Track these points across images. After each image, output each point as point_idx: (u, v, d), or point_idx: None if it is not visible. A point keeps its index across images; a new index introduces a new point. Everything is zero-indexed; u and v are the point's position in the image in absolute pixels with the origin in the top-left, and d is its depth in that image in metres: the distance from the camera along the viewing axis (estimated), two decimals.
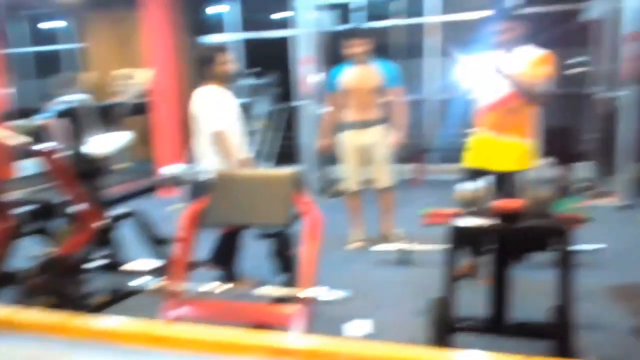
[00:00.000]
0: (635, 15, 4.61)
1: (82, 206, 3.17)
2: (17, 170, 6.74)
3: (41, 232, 3.46)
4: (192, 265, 3.74)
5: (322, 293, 2.24)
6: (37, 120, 3.04)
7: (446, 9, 6.28)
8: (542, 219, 2.15)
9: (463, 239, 2.23)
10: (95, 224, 3.24)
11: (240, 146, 3.55)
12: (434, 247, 3.55)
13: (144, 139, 7.27)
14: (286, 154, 6.44)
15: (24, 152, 3.44)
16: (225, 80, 3.42)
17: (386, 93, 3.95)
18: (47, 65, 8.06)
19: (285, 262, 3.08)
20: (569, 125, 5.91)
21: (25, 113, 4.99)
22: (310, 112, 5.58)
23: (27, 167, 6.20)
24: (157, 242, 3.58)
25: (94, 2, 7.05)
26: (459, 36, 6.18)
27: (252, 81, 6.28)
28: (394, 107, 3.98)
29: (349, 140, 4.03)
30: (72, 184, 3.11)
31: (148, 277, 3.06)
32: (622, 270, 3.49)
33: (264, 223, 2.67)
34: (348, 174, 4.13)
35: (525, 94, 2.92)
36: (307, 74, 5.50)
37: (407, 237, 3.96)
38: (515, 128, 3.06)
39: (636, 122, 4.80)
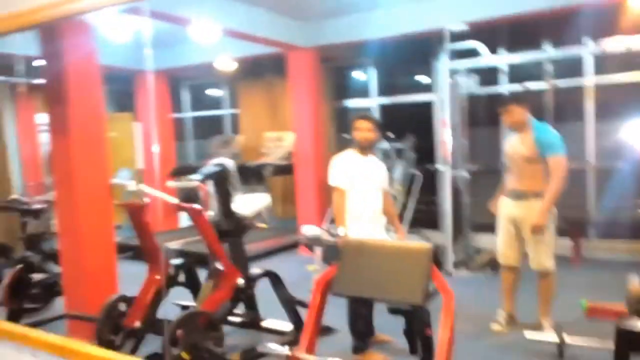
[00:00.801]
0: None
1: (224, 264, 3.30)
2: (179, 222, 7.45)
3: (191, 284, 3.70)
4: (324, 332, 3.73)
5: None
6: (193, 181, 3.28)
7: (602, 69, 5.74)
8: None
9: (637, 345, 1.85)
10: (236, 282, 3.35)
11: (375, 211, 3.48)
12: (596, 342, 3.06)
13: (289, 198, 7.62)
14: (422, 219, 6.23)
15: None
16: (363, 146, 3.45)
17: (545, 161, 3.56)
18: (206, 129, 8.94)
19: (421, 341, 2.85)
20: None
21: (187, 170, 5.53)
22: (448, 176, 5.35)
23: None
24: (291, 304, 3.59)
25: (247, 70, 7.73)
26: (627, 98, 5.67)
27: (388, 145, 6.27)
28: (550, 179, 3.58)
29: (503, 209, 3.74)
30: (216, 242, 3.27)
31: (280, 342, 3.09)
32: None
33: (397, 300, 2.50)
34: (500, 246, 3.79)
35: None
36: (446, 138, 5.33)
37: (561, 327, 3.46)
38: None
39: None
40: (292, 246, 6.15)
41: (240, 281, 3.34)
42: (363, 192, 3.45)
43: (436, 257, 2.58)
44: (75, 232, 3.76)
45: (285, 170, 6.84)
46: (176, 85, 8.70)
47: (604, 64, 5.75)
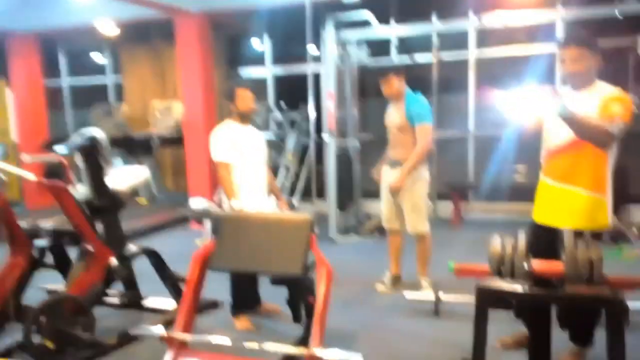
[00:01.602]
0: None
1: (93, 244, 3.06)
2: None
3: (61, 266, 3.40)
4: (209, 306, 3.63)
5: (336, 355, 2.00)
6: (54, 156, 2.96)
7: (485, 42, 6.03)
8: (589, 284, 1.84)
9: (495, 302, 1.95)
10: (107, 262, 3.13)
11: (263, 184, 3.41)
12: (467, 299, 3.26)
13: (180, 171, 7.30)
14: (315, 189, 6.28)
15: None
16: (243, 116, 3.35)
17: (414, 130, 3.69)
18: (88, 97, 8.28)
19: (305, 309, 2.84)
20: (624, 166, 5.47)
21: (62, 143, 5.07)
22: (333, 147, 5.39)
23: None
24: (173, 281, 3.43)
25: (132, 35, 7.20)
26: (506, 70, 6.01)
27: (281, 115, 6.19)
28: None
29: (384, 177, 3.84)
30: (82, 221, 3.01)
31: (162, 321, 2.95)
32: None
33: (277, 271, 2.45)
34: (383, 210, 3.91)
35: (594, 138, 2.34)
36: (331, 108, 5.34)
37: (439, 285, 3.65)
38: (580, 177, 2.47)
39: None
40: (184, 220, 5.91)
41: (113, 261, 3.11)
42: (252, 163, 3.35)
43: (315, 228, 2.55)
44: None
45: (174, 141, 6.52)
46: (52, 49, 7.91)
47: (486, 37, 6.04)
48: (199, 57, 6.02)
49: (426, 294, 3.51)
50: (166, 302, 3.53)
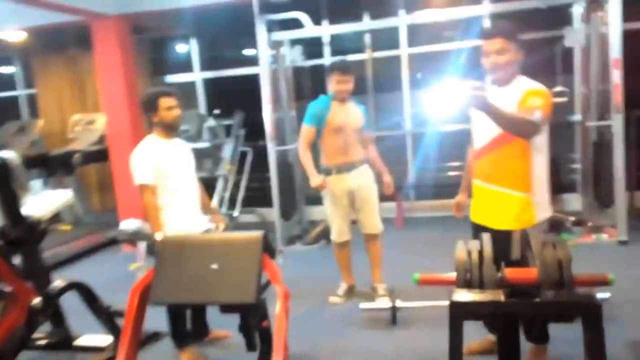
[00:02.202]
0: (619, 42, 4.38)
1: (11, 283, 2.68)
2: None
3: None
4: (150, 339, 3.32)
5: None
6: None
7: (417, 41, 6.05)
8: (562, 289, 1.75)
9: (469, 314, 1.82)
10: (29, 302, 2.75)
11: (195, 201, 3.13)
12: (426, 303, 3.18)
13: (107, 188, 6.79)
14: (256, 198, 6.04)
15: None
16: (170, 127, 3.02)
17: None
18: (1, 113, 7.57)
19: (259, 334, 2.62)
20: (555, 156, 5.64)
21: None
22: (273, 153, 5.19)
23: None
24: (107, 315, 3.09)
25: (44, 43, 6.62)
26: (438, 67, 6.05)
27: (215, 123, 5.89)
28: (372, 148, 3.80)
29: (335, 185, 3.62)
30: None
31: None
32: (637, 322, 3.11)
33: (228, 301, 2.21)
34: (336, 222, 3.70)
35: (516, 127, 2.28)
36: (267, 112, 5.13)
37: (395, 291, 3.55)
38: (507, 176, 2.45)
39: (626, 150, 4.54)
40: (114, 242, 5.48)
41: (36, 300, 2.75)
42: (180, 181, 3.02)
43: (268, 244, 2.34)
44: None
45: (98, 156, 6.03)
46: None
47: (417, 35, 6.05)
48: (120, 64, 5.59)
49: (382, 303, 3.38)
50: (101, 339, 3.19)
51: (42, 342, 3.18)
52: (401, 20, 5.77)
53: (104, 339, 3.18)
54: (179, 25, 6.37)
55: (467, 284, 1.86)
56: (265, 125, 4.91)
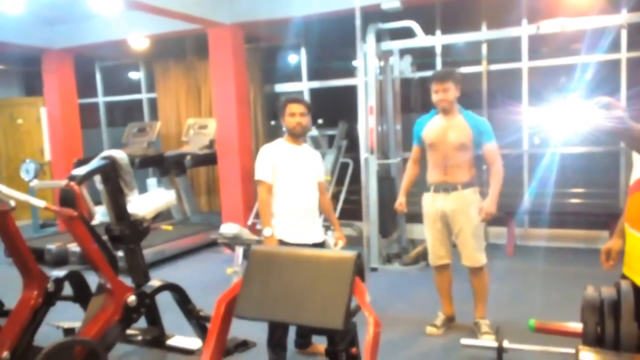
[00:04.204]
0: None
1: (109, 279, 2.75)
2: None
3: (83, 297, 3.11)
4: (239, 347, 3.27)
5: None
6: (60, 181, 2.68)
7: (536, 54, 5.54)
8: None
9: None
10: (125, 300, 2.81)
11: (310, 209, 3.05)
12: (538, 347, 2.79)
13: (214, 190, 7.03)
14: (353, 211, 5.87)
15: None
16: (297, 133, 3.01)
17: (477, 149, 3.30)
18: (124, 114, 8.15)
19: None
20: None
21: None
22: (372, 166, 4.96)
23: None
24: (198, 319, 3.08)
25: (165, 50, 7.03)
26: (561, 81, 5.51)
27: (317, 133, 5.82)
28: (489, 167, 3.33)
29: (429, 205, 3.36)
30: (95, 253, 2.70)
31: None
32: None
33: (314, 324, 2.05)
34: (431, 244, 3.42)
35: None
36: (372, 124, 4.93)
37: (501, 328, 3.17)
38: None
39: None
40: (215, 244, 5.62)
41: (131, 299, 2.79)
42: (295, 185, 2.99)
43: (361, 266, 2.16)
44: None
45: (208, 159, 6.25)
46: (88, 67, 7.83)
47: (539, 47, 5.57)
48: (232, 71, 5.75)
49: (487, 342, 3.02)
50: (192, 342, 3.20)
51: (137, 338, 3.25)
52: (523, 30, 5.32)
53: (195, 342, 3.18)
54: (289, 34, 6.43)
55: (598, 341, 1.53)
56: (362, 136, 4.73)
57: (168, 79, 7.21)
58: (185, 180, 6.72)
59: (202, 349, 2.92)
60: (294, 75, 6.78)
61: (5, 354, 2.68)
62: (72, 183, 2.58)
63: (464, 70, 5.66)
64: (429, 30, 5.46)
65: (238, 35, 5.82)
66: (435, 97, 3.26)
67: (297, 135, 3.03)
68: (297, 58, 6.77)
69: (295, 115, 2.99)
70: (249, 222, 5.58)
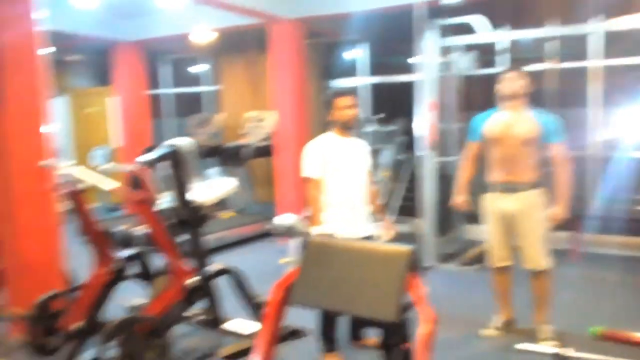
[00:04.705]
0: None
1: (173, 262, 2.88)
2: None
3: (148, 276, 3.28)
4: (292, 335, 3.34)
5: None
6: (134, 166, 2.82)
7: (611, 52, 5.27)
8: None
9: None
10: (188, 281, 2.93)
11: (362, 203, 3.07)
12: (602, 357, 2.68)
13: (271, 182, 7.17)
14: (411, 208, 5.82)
15: None
16: (342, 126, 3.02)
17: (544, 149, 3.18)
18: (189, 106, 8.43)
19: (398, 356, 2.45)
20: None
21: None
22: (431, 163, 4.90)
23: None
24: (254, 305, 3.17)
25: (230, 44, 7.21)
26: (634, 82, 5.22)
27: (377, 128, 5.81)
28: (556, 169, 3.18)
29: (490, 205, 3.29)
30: (163, 236, 2.84)
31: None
32: None
33: (367, 314, 2.08)
34: (492, 245, 3.34)
35: None
36: (432, 121, 4.87)
37: (562, 336, 3.08)
38: None
39: None
40: (269, 235, 5.73)
41: (191, 281, 2.91)
42: (344, 179, 3.02)
43: (416, 261, 2.15)
44: (10, 218, 3.32)
45: (264, 152, 6.39)
46: (156, 59, 8.16)
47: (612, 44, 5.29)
48: (292, 66, 5.84)
49: (544, 347, 2.93)
50: (247, 326, 3.30)
51: (195, 319, 3.38)
52: (596, 27, 5.07)
53: (249, 327, 3.27)
54: (349, 29, 6.45)
55: None
56: (419, 133, 4.67)
57: (232, 73, 7.41)
58: (243, 170, 6.89)
59: (256, 333, 3.03)
60: (353, 70, 6.79)
61: (80, 324, 2.88)
62: (143, 167, 2.72)
63: (530, 68, 5.49)
64: (494, 25, 5.33)
65: (299, 31, 5.89)
66: (504, 89, 3.17)
67: (348, 128, 3.05)
68: (357, 53, 6.78)
69: (347, 108, 3.02)
70: (303, 215, 5.65)
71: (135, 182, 2.78)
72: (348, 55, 7.04)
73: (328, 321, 2.99)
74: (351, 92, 3.18)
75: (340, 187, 3.00)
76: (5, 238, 3.39)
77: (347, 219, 2.99)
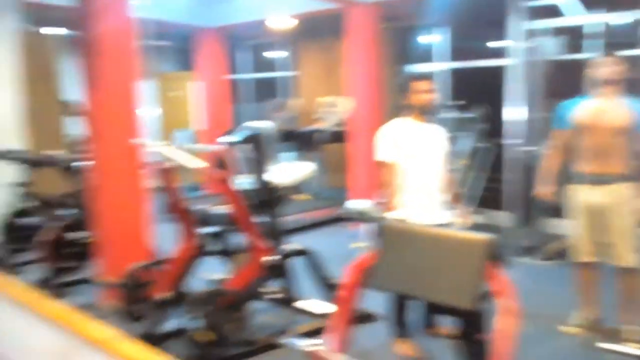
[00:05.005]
0: None
1: (252, 239, 2.99)
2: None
3: (225, 253, 3.44)
4: (364, 319, 3.37)
5: None
6: (219, 146, 2.95)
7: None
8: None
9: None
10: (266, 259, 3.04)
11: (435, 188, 3.02)
12: None
13: (344, 167, 7.21)
14: (489, 199, 5.64)
15: None
16: (421, 111, 2.97)
17: (637, 139, 3.00)
18: (268, 91, 8.62)
19: (473, 347, 2.42)
20: None
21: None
22: (518, 152, 4.70)
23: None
24: (327, 287, 3.24)
25: (307, 30, 7.27)
26: None
27: (456, 114, 5.66)
28: None
29: (575, 196, 3.14)
30: (244, 214, 2.95)
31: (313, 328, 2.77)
32: None
33: (443, 301, 2.07)
34: (578, 239, 3.19)
35: None
36: (519, 108, 4.67)
37: None
38: None
39: None
40: (341, 219, 5.78)
41: (268, 259, 3.02)
42: (420, 164, 2.97)
43: (496, 251, 2.10)
44: (102, 192, 3.58)
45: (336, 137, 6.43)
46: (235, 46, 8.40)
47: None
48: (367, 51, 5.80)
49: (629, 349, 2.78)
50: (319, 306, 3.37)
51: (269, 296, 3.50)
52: None
53: (322, 307, 3.34)
54: (427, 14, 6.29)
55: None
56: (505, 120, 4.50)
57: (309, 59, 7.49)
58: (317, 155, 6.97)
59: (329, 314, 3.09)
60: (429, 55, 6.64)
61: (166, 294, 3.08)
62: (227, 148, 2.84)
63: (624, 53, 5.13)
64: (589, 7, 5.01)
65: (375, 15, 5.84)
66: (598, 74, 3.00)
67: (425, 112, 3.00)
68: (435, 38, 6.62)
69: (424, 92, 2.96)
70: (376, 200, 5.65)
71: (219, 162, 2.90)
72: (425, 39, 6.89)
73: (400, 306, 2.99)
74: (428, 77, 3.13)
75: (416, 173, 2.96)
76: (100, 211, 3.66)
77: (423, 205, 2.95)
